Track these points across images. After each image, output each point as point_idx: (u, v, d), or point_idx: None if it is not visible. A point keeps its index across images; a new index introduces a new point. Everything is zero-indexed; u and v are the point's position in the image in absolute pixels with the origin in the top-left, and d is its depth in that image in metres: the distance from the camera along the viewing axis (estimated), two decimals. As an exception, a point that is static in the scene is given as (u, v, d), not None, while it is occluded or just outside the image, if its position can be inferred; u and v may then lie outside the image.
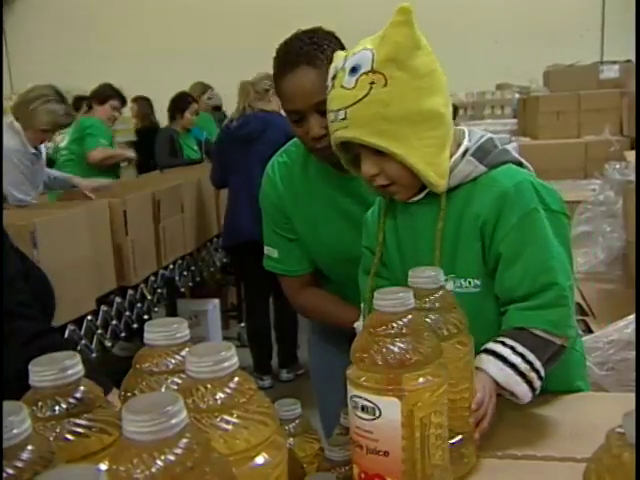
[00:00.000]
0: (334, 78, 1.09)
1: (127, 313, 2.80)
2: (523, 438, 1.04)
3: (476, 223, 1.09)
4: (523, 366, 1.01)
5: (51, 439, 0.59)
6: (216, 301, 4.01)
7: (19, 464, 0.49)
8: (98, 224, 2.60)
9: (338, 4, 5.95)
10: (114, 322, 2.68)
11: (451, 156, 1.10)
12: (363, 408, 0.79)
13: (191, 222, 3.49)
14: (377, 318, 0.81)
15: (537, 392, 1.03)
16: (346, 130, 1.06)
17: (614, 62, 4.57)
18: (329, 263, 1.54)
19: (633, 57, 4.12)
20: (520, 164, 1.15)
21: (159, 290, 3.16)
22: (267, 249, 1.60)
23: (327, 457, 0.94)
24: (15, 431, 0.49)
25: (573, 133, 4.07)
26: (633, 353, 1.80)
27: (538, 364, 1.02)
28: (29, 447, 0.50)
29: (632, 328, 1.84)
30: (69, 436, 0.60)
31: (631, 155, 2.87)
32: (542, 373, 1.03)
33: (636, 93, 3.22)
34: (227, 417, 0.60)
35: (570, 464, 0.94)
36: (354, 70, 1.05)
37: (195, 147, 4.94)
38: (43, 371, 0.61)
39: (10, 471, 0.48)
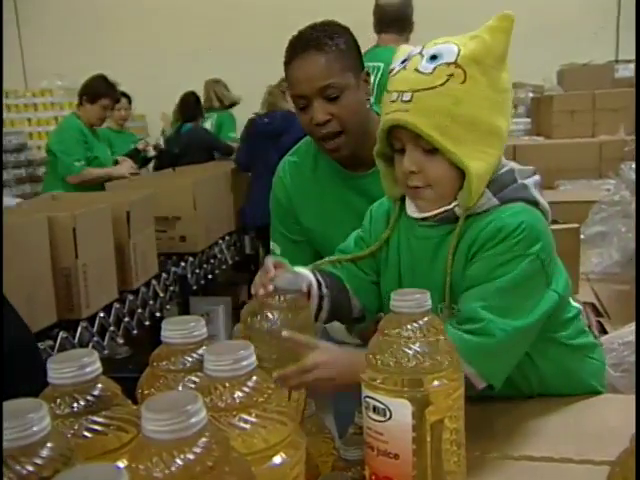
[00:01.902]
0: (405, 61, 1.03)
1: (140, 310, 2.80)
2: (540, 440, 1.03)
3: (467, 255, 1.03)
4: None
5: (69, 436, 0.59)
6: (228, 299, 4.02)
7: (39, 461, 0.49)
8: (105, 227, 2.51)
9: (352, 2, 5.93)
10: (126, 319, 2.69)
11: None
12: (375, 409, 0.79)
13: (203, 220, 3.49)
14: (392, 319, 0.81)
15: None
16: (406, 114, 0.99)
17: (629, 61, 4.52)
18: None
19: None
20: (536, 203, 1.06)
21: (171, 287, 3.17)
22: (272, 244, 1.63)
23: (341, 456, 0.94)
24: (35, 428, 0.49)
25: (588, 132, 4.03)
26: (649, 355, 1.79)
27: None
28: (49, 444, 0.50)
29: (648, 329, 1.83)
30: (87, 434, 0.60)
31: (647, 155, 2.84)
32: None
33: (636, 93, 3.19)
34: (245, 416, 0.60)
35: (588, 466, 0.94)
36: (434, 58, 0.99)
37: None
38: (62, 368, 0.61)
39: (30, 468, 0.48)
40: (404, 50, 1.07)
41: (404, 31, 3.20)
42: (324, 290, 1.10)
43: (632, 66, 4.40)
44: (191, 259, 3.37)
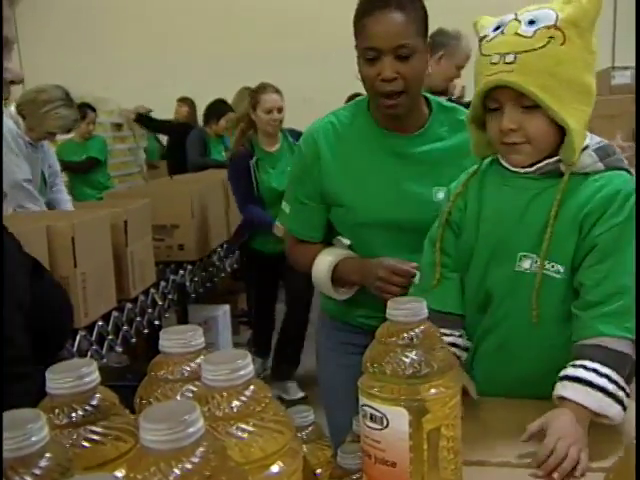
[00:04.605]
0: (499, 28, 1.10)
1: (138, 319, 2.81)
2: (538, 446, 1.03)
3: (578, 214, 1.09)
4: (611, 387, 1.01)
5: (68, 446, 0.59)
6: (227, 307, 4.01)
7: (37, 472, 0.49)
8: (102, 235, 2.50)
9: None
10: (125, 328, 2.69)
11: None
12: (372, 417, 0.79)
13: (201, 228, 3.50)
14: (389, 328, 0.81)
15: (626, 410, 1.03)
16: (510, 74, 1.05)
17: (626, 68, 4.54)
18: (361, 228, 1.54)
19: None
20: (631, 174, 1.15)
21: (170, 296, 3.17)
22: (283, 203, 1.66)
23: (339, 464, 0.94)
24: (33, 439, 0.49)
25: (585, 139, 4.04)
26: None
27: (623, 382, 1.02)
28: (47, 454, 0.50)
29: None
30: (85, 443, 0.60)
31: (643, 161, 2.85)
32: (627, 390, 1.03)
33: (636, 96, 3.20)
34: (243, 425, 0.60)
35: (586, 473, 0.94)
36: (533, 22, 1.06)
37: (223, 153, 5.03)
38: (60, 378, 0.61)
39: (29, 479, 0.49)
40: (490, 19, 1.14)
41: None
42: None
43: (629, 73, 4.42)
44: (189, 267, 3.38)
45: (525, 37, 1.05)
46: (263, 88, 3.34)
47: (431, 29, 1.48)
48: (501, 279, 1.16)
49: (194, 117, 5.67)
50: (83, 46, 6.56)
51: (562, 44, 1.05)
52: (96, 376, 0.63)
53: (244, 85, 5.27)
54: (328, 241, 1.63)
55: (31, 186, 2.92)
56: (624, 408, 1.02)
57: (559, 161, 1.12)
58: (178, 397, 0.70)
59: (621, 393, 1.01)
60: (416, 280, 1.34)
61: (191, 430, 0.50)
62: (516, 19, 1.08)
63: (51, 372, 0.62)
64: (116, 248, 2.60)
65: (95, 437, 0.61)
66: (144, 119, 5.67)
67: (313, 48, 5.89)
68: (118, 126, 6.35)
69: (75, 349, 2.28)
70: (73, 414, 0.61)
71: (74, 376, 0.61)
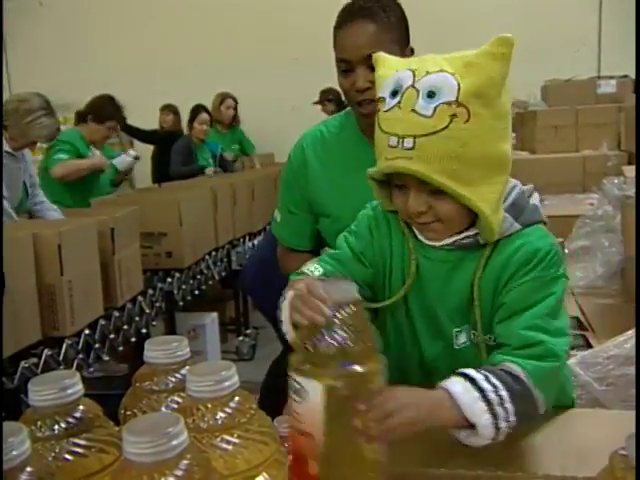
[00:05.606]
0: (396, 94, 0.94)
1: (125, 327, 2.79)
2: (523, 455, 1.03)
3: (498, 279, 1.02)
4: (492, 396, 0.89)
5: (50, 459, 0.59)
6: (215, 315, 4.00)
7: (18, 486, 0.49)
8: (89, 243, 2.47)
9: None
10: (112, 336, 2.67)
11: None
12: (295, 391, 0.78)
13: (189, 235, 3.48)
14: None
15: (497, 439, 0.90)
16: (410, 162, 0.92)
17: (611, 77, 4.60)
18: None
19: (630, 71, 4.14)
20: (545, 223, 1.08)
21: (158, 304, 3.15)
22: (276, 212, 1.68)
23: None
24: (14, 452, 0.49)
25: (571, 147, 4.08)
26: (633, 368, 1.80)
27: (510, 406, 0.90)
28: (28, 469, 0.50)
29: (632, 343, 1.84)
30: (68, 456, 0.60)
31: (629, 170, 2.88)
32: (511, 419, 0.90)
33: (636, 103, 3.23)
34: (227, 437, 0.60)
35: (571, 483, 0.94)
36: (432, 95, 0.91)
37: (210, 160, 5.04)
38: (43, 390, 0.60)
39: (9, 493, 0.48)
40: (389, 75, 0.99)
41: None
42: None
43: (614, 82, 4.47)
44: (177, 275, 3.36)
45: (424, 117, 0.91)
46: None
47: (413, 38, 1.49)
48: (443, 355, 1.09)
49: (179, 125, 5.66)
50: (74, 53, 6.55)
51: (466, 121, 0.91)
52: (79, 388, 0.62)
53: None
54: (319, 251, 1.62)
55: (6, 202, 2.88)
56: (497, 430, 0.89)
57: (477, 234, 1.02)
58: (163, 408, 0.70)
59: (501, 411, 0.88)
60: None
61: (174, 443, 0.49)
62: (413, 86, 0.93)
63: (34, 384, 0.61)
64: (103, 256, 2.58)
65: (78, 449, 0.60)
66: (131, 128, 5.66)
67: (302, 56, 5.92)
68: (106, 133, 6.33)
69: (61, 358, 2.26)
70: (56, 426, 0.60)
71: (57, 388, 0.60)
